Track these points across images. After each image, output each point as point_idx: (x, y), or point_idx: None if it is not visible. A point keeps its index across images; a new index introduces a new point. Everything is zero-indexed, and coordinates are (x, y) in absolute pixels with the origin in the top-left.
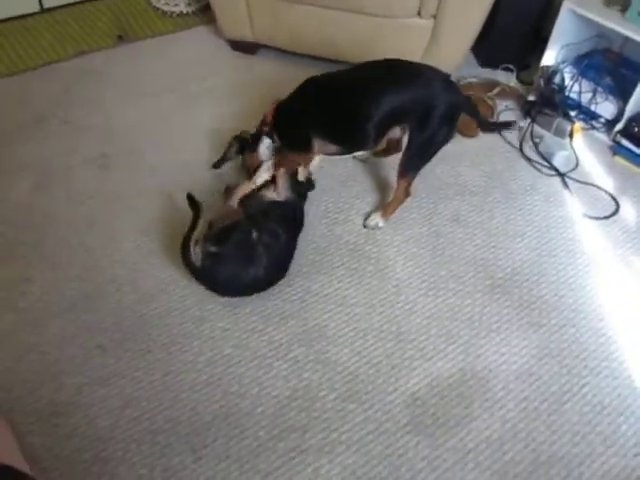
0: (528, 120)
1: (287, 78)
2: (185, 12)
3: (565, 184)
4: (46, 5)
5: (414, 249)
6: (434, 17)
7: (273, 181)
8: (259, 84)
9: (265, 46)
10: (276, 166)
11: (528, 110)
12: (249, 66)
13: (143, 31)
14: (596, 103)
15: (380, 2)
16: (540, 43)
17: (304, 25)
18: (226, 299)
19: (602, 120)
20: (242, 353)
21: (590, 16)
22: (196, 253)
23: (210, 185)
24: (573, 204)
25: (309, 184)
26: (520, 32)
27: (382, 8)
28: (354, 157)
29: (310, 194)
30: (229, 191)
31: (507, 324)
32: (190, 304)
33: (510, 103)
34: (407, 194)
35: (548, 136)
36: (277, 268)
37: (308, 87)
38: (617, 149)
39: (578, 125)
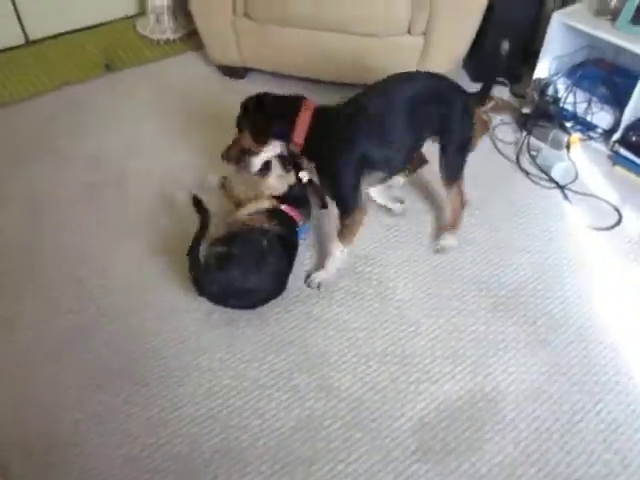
0: (524, 133)
1: None
2: (172, 39)
3: (565, 196)
4: (31, 37)
5: (414, 269)
6: (424, 34)
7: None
8: None
9: (254, 69)
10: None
11: (523, 123)
12: (238, 90)
13: (130, 59)
14: (592, 113)
15: (369, 22)
16: (531, 56)
17: (292, 47)
18: (222, 330)
19: (599, 130)
20: (242, 384)
21: (580, 27)
22: (203, 252)
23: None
24: (574, 216)
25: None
26: (511, 45)
27: (371, 27)
28: (389, 186)
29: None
30: (227, 183)
31: (514, 342)
32: (187, 335)
33: (505, 117)
34: (463, 202)
35: (545, 148)
36: (280, 281)
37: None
38: (616, 159)
39: (575, 136)
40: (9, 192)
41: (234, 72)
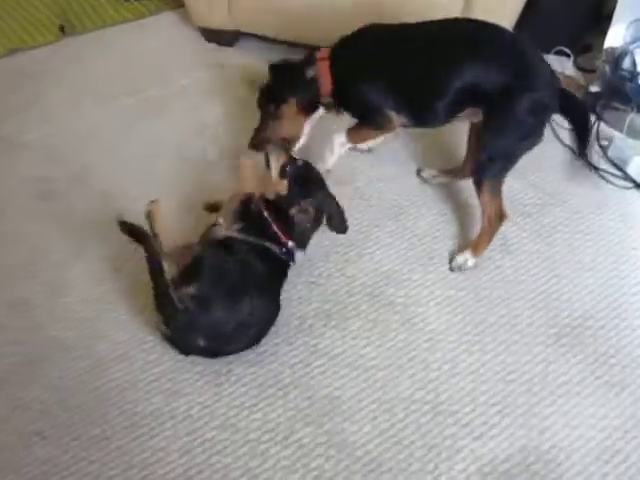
0: (592, 118)
1: None
2: None
3: None
4: None
5: (451, 290)
6: None
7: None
8: (240, 84)
9: (246, 35)
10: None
11: (592, 104)
12: (227, 61)
13: (92, 21)
14: None
15: None
16: (602, 20)
17: (302, 6)
18: (204, 367)
19: None
20: (229, 437)
21: None
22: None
23: (181, 217)
24: None
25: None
26: (575, 6)
27: None
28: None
29: None
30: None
31: (579, 386)
32: (159, 373)
33: None
34: (500, 215)
35: (619, 137)
36: (272, 301)
37: (376, 36)
38: None
39: None
40: None
41: (221, 37)
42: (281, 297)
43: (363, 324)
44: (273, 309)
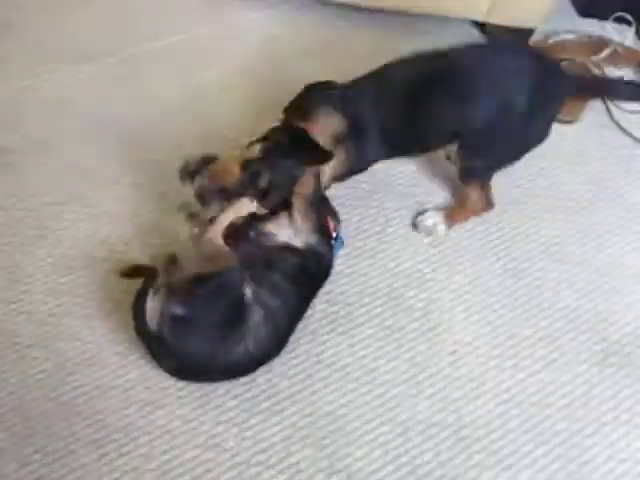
0: None
1: (293, 32)
2: None
3: None
4: None
5: (482, 295)
6: None
7: (273, 212)
8: (249, 43)
9: None
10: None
11: None
12: (230, 13)
13: None
14: None
15: None
16: None
17: None
18: None
19: None
20: (214, 458)
21: None
22: (152, 309)
23: (168, 196)
24: None
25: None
26: None
27: None
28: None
29: None
30: (194, 216)
31: (627, 414)
32: (134, 381)
33: (628, 71)
34: (485, 203)
35: None
36: (276, 343)
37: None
38: None
39: None
40: None
41: None
42: None
43: (376, 332)
44: (275, 350)
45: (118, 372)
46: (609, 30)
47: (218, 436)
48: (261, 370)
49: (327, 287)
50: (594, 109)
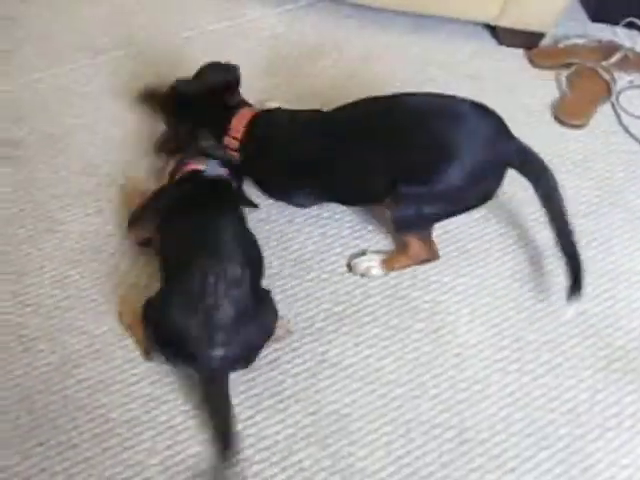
0: None
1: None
2: None
3: None
4: None
5: (487, 298)
6: None
7: None
8: (257, 40)
9: None
10: None
11: None
12: (239, 11)
13: None
14: None
15: None
16: None
17: None
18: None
19: None
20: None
21: None
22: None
23: None
24: None
25: None
26: None
27: None
28: None
29: (316, 211)
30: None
31: (631, 420)
32: (139, 375)
33: (637, 76)
34: (427, 254)
35: None
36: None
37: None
38: None
39: None
40: None
41: None
42: (285, 294)
43: (381, 331)
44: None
45: (123, 366)
46: (620, 35)
47: None
48: (265, 368)
49: (332, 286)
50: (603, 114)
